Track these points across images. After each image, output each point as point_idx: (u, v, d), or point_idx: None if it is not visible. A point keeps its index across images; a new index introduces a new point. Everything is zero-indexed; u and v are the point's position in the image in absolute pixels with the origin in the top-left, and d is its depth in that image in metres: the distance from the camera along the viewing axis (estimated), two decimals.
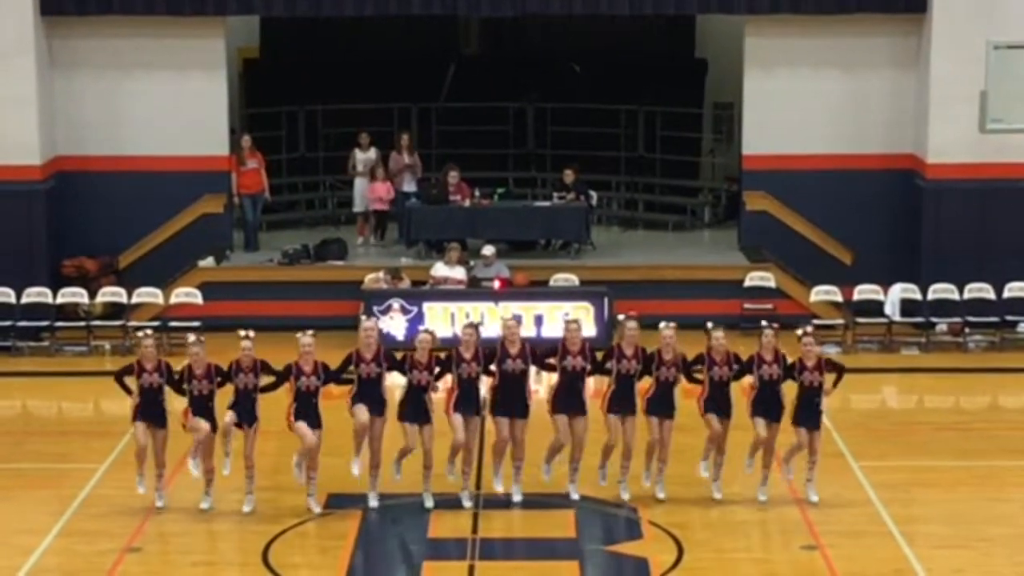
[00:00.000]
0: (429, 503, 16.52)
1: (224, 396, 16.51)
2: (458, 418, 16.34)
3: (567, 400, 16.51)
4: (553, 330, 22.10)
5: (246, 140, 25.78)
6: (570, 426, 16.53)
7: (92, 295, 24.05)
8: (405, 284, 23.65)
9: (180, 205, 24.98)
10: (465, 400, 16.41)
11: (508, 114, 29.87)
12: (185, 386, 16.36)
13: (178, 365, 16.62)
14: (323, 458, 16.64)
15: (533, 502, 16.63)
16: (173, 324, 23.15)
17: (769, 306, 23.59)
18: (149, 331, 16.85)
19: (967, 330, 23.76)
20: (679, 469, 16.94)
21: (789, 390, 16.55)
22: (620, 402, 16.51)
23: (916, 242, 24.46)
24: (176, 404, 16.60)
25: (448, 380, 16.49)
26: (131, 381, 16.47)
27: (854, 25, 24.57)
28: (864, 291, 23.94)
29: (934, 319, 23.89)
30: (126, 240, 24.89)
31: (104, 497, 16.97)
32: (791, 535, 15.90)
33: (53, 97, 24.73)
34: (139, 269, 24.76)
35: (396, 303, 23.13)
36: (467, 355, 16.39)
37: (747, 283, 24.26)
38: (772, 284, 24.25)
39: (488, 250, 24.17)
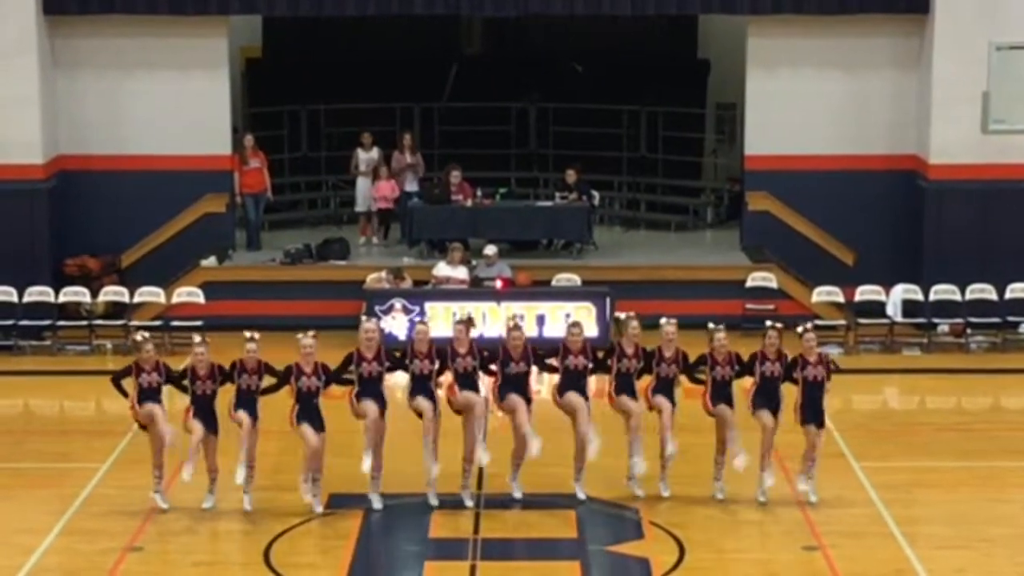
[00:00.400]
0: (434, 501, 16.53)
1: (224, 396, 16.51)
2: (466, 394, 16.36)
3: (568, 388, 16.54)
4: (555, 330, 22.12)
5: (248, 139, 25.79)
6: (574, 424, 16.54)
7: (94, 294, 24.06)
8: (407, 284, 23.66)
9: (182, 204, 25.00)
10: (465, 390, 16.43)
11: (510, 114, 29.87)
12: (186, 383, 16.36)
13: (180, 365, 16.62)
14: (325, 458, 16.64)
15: (534, 502, 16.63)
16: (175, 324, 23.15)
17: (771, 306, 23.60)
18: (147, 334, 16.83)
19: (969, 331, 23.75)
20: (681, 468, 16.92)
21: (788, 393, 16.54)
22: (623, 395, 16.55)
23: (918, 243, 24.45)
24: (176, 405, 16.61)
25: (448, 376, 16.53)
26: (129, 383, 16.46)
27: (856, 26, 24.58)
28: (866, 292, 23.94)
29: (936, 320, 23.89)
30: (128, 239, 24.91)
31: (105, 496, 16.97)
32: (792, 535, 15.89)
33: (55, 96, 24.75)
34: (141, 268, 24.78)
35: (398, 303, 23.12)
36: (461, 350, 16.43)
37: (749, 283, 24.26)
38: (774, 284, 24.26)
39: (490, 250, 24.18)
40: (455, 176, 25.66)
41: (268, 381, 16.46)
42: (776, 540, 16.02)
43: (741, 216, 26.02)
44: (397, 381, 16.89)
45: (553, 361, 16.64)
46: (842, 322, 23.80)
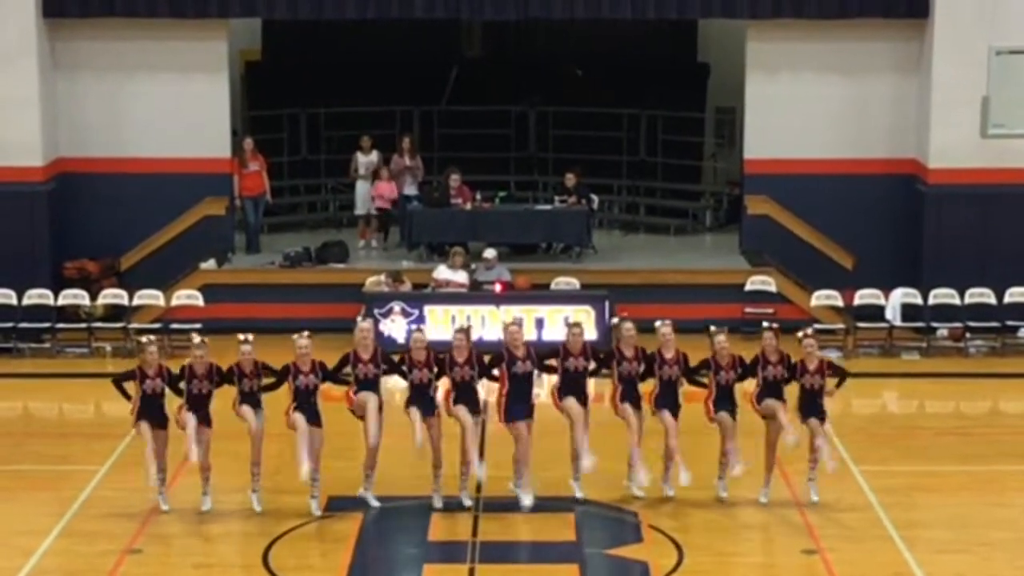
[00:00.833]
0: (438, 503, 16.54)
1: (220, 397, 16.51)
2: (461, 408, 16.37)
3: (568, 392, 16.55)
4: (554, 333, 22.12)
5: (248, 142, 25.80)
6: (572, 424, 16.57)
7: (93, 297, 24.06)
8: (406, 287, 23.66)
9: (182, 207, 25.00)
10: (462, 403, 16.42)
11: (510, 117, 29.87)
12: (183, 384, 16.38)
13: (179, 366, 16.64)
14: (324, 460, 16.66)
15: (534, 505, 16.61)
16: (174, 326, 23.14)
17: (770, 310, 23.59)
18: (152, 337, 16.86)
19: (968, 335, 23.76)
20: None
21: (792, 394, 16.57)
22: (627, 402, 16.54)
23: (917, 247, 24.46)
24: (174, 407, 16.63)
25: (445, 383, 16.54)
26: (131, 387, 16.48)
27: (856, 30, 24.59)
28: (865, 296, 23.94)
29: (935, 324, 23.90)
30: (128, 242, 24.91)
31: (105, 499, 16.98)
32: (792, 539, 15.90)
33: (55, 99, 24.75)
34: (140, 271, 24.77)
35: (397, 306, 23.14)
36: (460, 359, 16.43)
37: (748, 287, 24.26)
38: (773, 288, 24.26)
39: (489, 253, 24.19)
40: (454, 179, 25.67)
41: (267, 380, 16.49)
42: (775, 544, 16.03)
43: (740, 220, 26.03)
44: (396, 384, 16.86)
45: (553, 362, 16.64)
46: (841, 326, 23.79)
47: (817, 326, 21.90)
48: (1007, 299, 23.84)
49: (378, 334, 17.35)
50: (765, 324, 16.75)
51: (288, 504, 16.60)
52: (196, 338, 16.71)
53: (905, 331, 23.93)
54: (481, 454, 17.13)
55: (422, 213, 25.58)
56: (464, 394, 16.46)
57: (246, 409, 16.38)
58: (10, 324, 23.62)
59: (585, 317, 22.54)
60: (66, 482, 17.54)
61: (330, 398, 16.77)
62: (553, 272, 24.53)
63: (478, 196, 25.88)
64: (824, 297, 24.02)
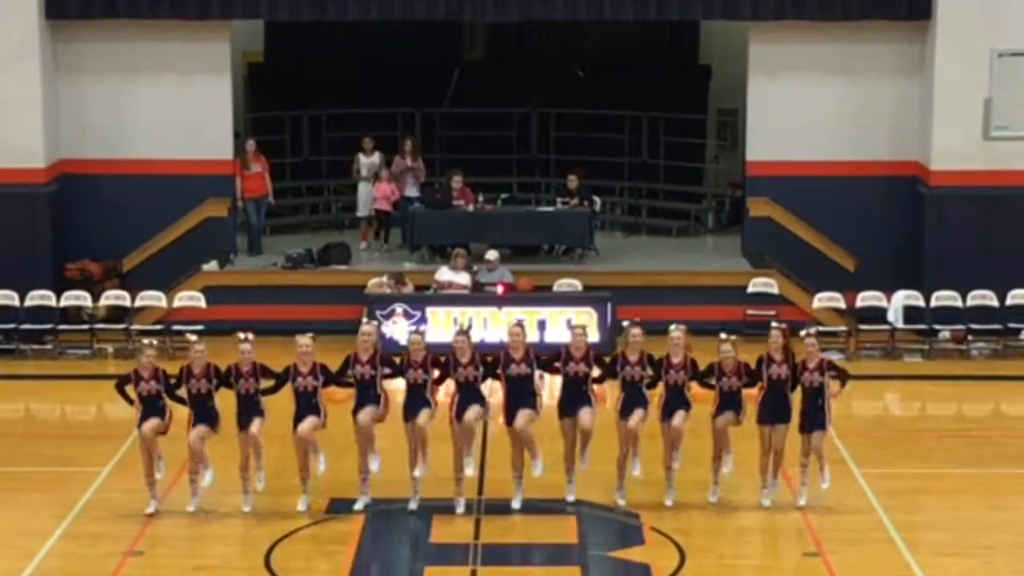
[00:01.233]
0: (414, 505, 16.59)
1: (221, 399, 16.53)
2: (468, 413, 16.39)
3: (571, 405, 16.53)
4: (556, 335, 22.14)
5: (250, 144, 25.80)
6: (575, 427, 16.55)
7: (95, 298, 24.07)
8: (408, 289, 23.67)
9: (184, 209, 25.01)
10: (464, 405, 16.43)
11: (512, 119, 29.86)
12: (183, 387, 16.39)
13: (179, 368, 16.66)
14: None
15: (535, 507, 16.63)
16: (176, 328, 23.13)
17: (772, 312, 23.57)
18: (152, 341, 16.87)
19: (970, 337, 23.75)
20: (682, 474, 16.88)
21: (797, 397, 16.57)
22: (629, 409, 16.52)
23: (919, 249, 24.45)
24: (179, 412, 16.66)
25: (449, 386, 16.55)
26: (132, 390, 16.50)
27: (858, 32, 24.59)
28: (867, 298, 23.93)
29: (937, 326, 23.88)
30: (130, 243, 24.92)
31: (107, 500, 16.98)
32: (793, 542, 15.91)
33: (57, 100, 24.77)
34: (142, 272, 24.79)
35: (399, 308, 23.15)
36: (463, 360, 16.44)
37: (750, 289, 24.26)
38: (775, 290, 24.26)
39: (492, 255, 24.18)
40: (457, 181, 25.67)
41: (267, 383, 16.49)
42: (777, 546, 16.04)
43: (742, 222, 26.02)
44: (398, 386, 16.88)
45: (556, 364, 16.63)
46: (843, 328, 23.79)
47: (819, 328, 22.01)
48: (1009, 301, 23.83)
49: (379, 336, 17.30)
50: (774, 324, 16.70)
51: (290, 506, 16.60)
52: (193, 337, 16.73)
53: (907, 333, 23.92)
54: (483, 456, 17.19)
55: (424, 215, 25.58)
56: (468, 394, 16.46)
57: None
58: (12, 325, 23.63)
59: (587, 319, 22.54)
60: (68, 484, 17.55)
61: (333, 400, 16.77)
62: (555, 274, 24.53)
63: (480, 198, 25.89)
64: (826, 299, 24.01)
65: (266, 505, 16.64)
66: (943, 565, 15.23)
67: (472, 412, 16.37)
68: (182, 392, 16.44)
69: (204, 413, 16.39)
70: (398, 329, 22.85)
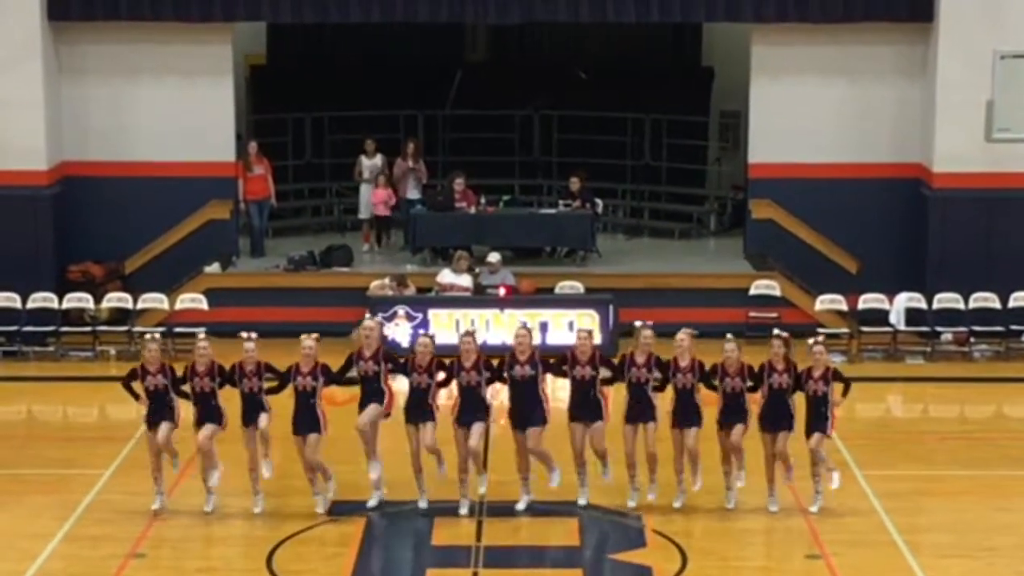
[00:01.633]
0: (423, 504, 16.59)
1: (225, 398, 16.54)
2: (462, 432, 16.41)
3: (580, 409, 16.54)
4: (558, 337, 22.17)
5: (252, 146, 25.81)
6: (586, 433, 16.54)
7: (98, 300, 24.07)
8: (410, 291, 23.67)
9: (186, 211, 25.01)
10: (467, 409, 16.43)
11: (514, 121, 29.87)
12: (187, 385, 16.41)
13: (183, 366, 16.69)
14: (327, 465, 16.69)
15: (537, 510, 16.63)
16: (178, 330, 23.15)
17: (774, 315, 23.59)
18: (156, 335, 16.90)
19: (972, 339, 23.74)
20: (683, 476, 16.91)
21: (800, 401, 16.55)
22: (633, 410, 16.54)
23: (922, 251, 24.44)
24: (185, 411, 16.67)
25: (452, 390, 16.57)
26: (138, 386, 16.53)
27: (860, 34, 24.58)
28: (869, 300, 23.92)
29: (939, 328, 23.86)
30: (132, 246, 24.92)
31: (109, 502, 16.99)
32: (795, 544, 15.90)
33: (60, 102, 24.78)
34: (145, 275, 24.78)
35: (401, 310, 23.16)
36: (467, 364, 16.43)
37: (752, 291, 24.25)
38: (777, 293, 24.25)
39: (493, 257, 24.18)
40: (459, 183, 25.68)
41: (270, 383, 16.50)
42: (779, 549, 16.02)
43: (745, 224, 26.01)
44: (400, 387, 16.87)
45: (564, 367, 16.64)
46: (845, 330, 23.78)
47: (821, 330, 22.03)
48: (1012, 303, 23.82)
49: (382, 337, 17.32)
50: (776, 331, 16.67)
51: (292, 508, 16.61)
52: (200, 334, 16.75)
53: (909, 335, 23.91)
54: (484, 458, 17.17)
55: (426, 217, 25.59)
56: (471, 399, 16.45)
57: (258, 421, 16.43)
58: (15, 327, 23.63)
59: (589, 321, 22.54)
60: (70, 486, 17.56)
61: (333, 402, 16.77)
62: (557, 276, 24.53)
63: (482, 200, 25.89)
64: (828, 301, 24.01)
65: (268, 507, 16.63)
66: (945, 567, 15.22)
67: (474, 434, 16.34)
68: (187, 388, 16.45)
69: (209, 411, 16.42)
70: (400, 331, 22.86)
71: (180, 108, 24.90)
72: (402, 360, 16.68)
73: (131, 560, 15.41)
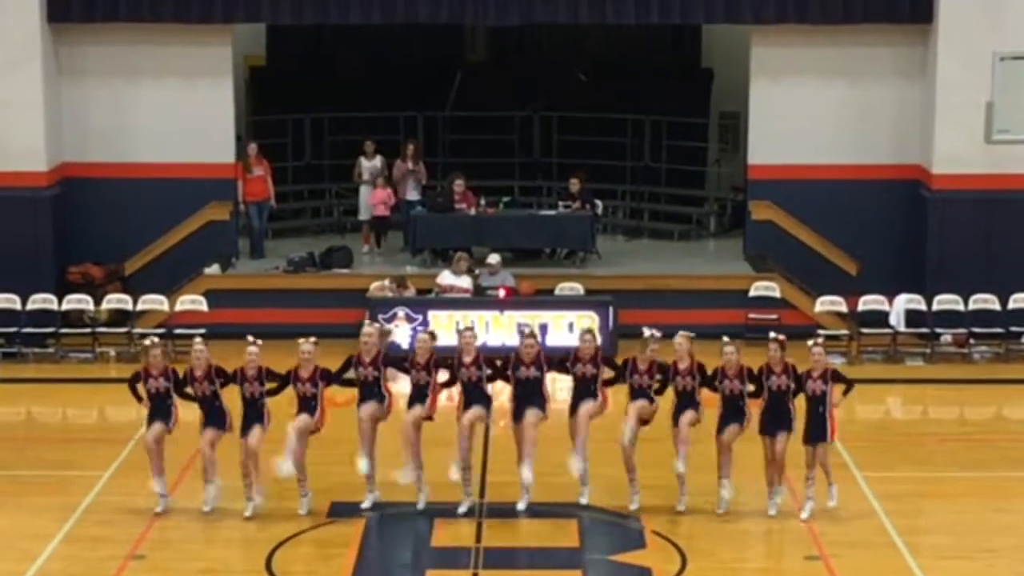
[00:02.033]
0: (421, 505, 16.58)
1: (227, 398, 16.55)
2: (467, 413, 16.40)
3: (580, 403, 16.56)
4: (558, 339, 22.18)
5: (252, 147, 25.82)
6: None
7: (97, 302, 24.07)
8: (410, 292, 23.67)
9: (186, 212, 25.01)
10: (470, 404, 16.46)
11: (514, 123, 29.88)
12: (189, 388, 16.44)
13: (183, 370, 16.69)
14: (326, 466, 16.76)
15: (537, 511, 16.62)
16: (178, 331, 23.15)
17: (774, 316, 23.59)
18: (156, 339, 16.89)
19: (972, 341, 23.74)
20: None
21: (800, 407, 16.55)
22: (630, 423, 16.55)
23: (921, 252, 24.44)
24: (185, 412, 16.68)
25: (455, 390, 16.57)
26: (140, 388, 16.54)
27: (860, 35, 24.59)
28: (869, 301, 23.91)
29: (939, 330, 23.85)
30: (132, 247, 24.92)
31: (108, 504, 16.99)
32: (795, 545, 15.89)
33: (60, 104, 24.78)
34: (145, 276, 24.78)
35: (401, 311, 23.17)
36: (467, 360, 16.45)
37: (752, 293, 24.25)
38: (777, 294, 24.24)
39: (493, 258, 24.18)
40: (459, 185, 25.68)
41: (271, 385, 16.51)
42: (778, 550, 16.03)
43: (744, 225, 26.01)
44: (400, 389, 16.87)
45: (566, 364, 16.67)
46: (845, 332, 23.78)
47: (821, 332, 22.07)
48: (1011, 305, 23.82)
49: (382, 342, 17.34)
50: (772, 335, 16.67)
51: (291, 509, 16.60)
52: (197, 338, 16.75)
53: (909, 337, 23.91)
54: (484, 459, 17.19)
55: (426, 218, 25.59)
56: (473, 395, 16.47)
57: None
58: (14, 329, 23.63)
59: (589, 322, 22.52)
60: (69, 487, 17.55)
61: (333, 403, 16.77)
62: (557, 277, 24.53)
63: (482, 201, 25.89)
64: (828, 303, 24.01)
65: (268, 508, 16.62)
66: (945, 568, 15.23)
67: (471, 413, 16.36)
68: (189, 391, 16.48)
69: (212, 414, 16.43)
70: (400, 333, 22.86)
71: (180, 109, 24.91)
72: (402, 358, 16.68)
73: (131, 561, 15.40)
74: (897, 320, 23.87)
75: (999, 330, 23.75)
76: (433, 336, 16.74)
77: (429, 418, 16.55)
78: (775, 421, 16.39)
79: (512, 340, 17.06)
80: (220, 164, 25.20)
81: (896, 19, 24.37)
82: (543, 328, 22.85)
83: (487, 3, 24.50)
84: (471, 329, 16.81)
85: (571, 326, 22.58)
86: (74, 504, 16.91)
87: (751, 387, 16.46)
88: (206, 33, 24.69)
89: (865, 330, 23.73)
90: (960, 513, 16.80)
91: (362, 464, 16.49)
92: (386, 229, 26.55)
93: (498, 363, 16.64)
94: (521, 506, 16.64)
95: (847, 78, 24.90)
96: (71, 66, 24.84)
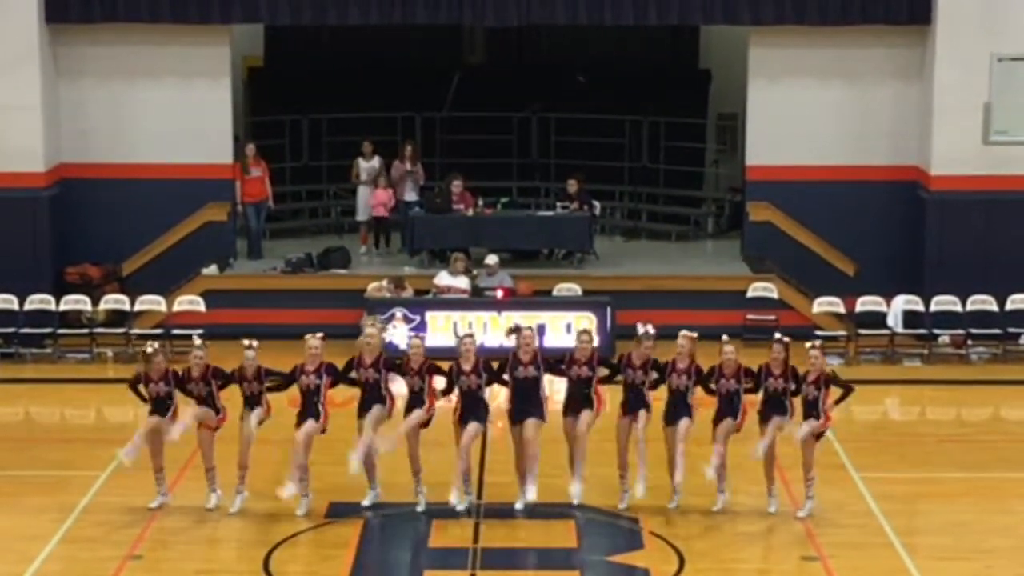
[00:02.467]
0: (421, 507, 16.57)
1: (226, 399, 16.55)
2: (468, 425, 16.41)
3: (575, 404, 16.56)
4: (556, 340, 22.17)
5: (250, 148, 25.81)
6: (575, 429, 16.57)
7: (95, 302, 24.06)
8: (408, 293, 23.67)
9: (184, 213, 25.01)
10: (468, 412, 16.43)
11: (512, 124, 29.87)
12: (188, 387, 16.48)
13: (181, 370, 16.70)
14: (324, 466, 16.74)
15: (534, 512, 16.62)
16: (176, 332, 23.14)
17: (771, 317, 23.60)
18: (156, 345, 16.88)
19: (969, 342, 23.75)
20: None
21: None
22: (628, 405, 16.56)
23: (919, 253, 24.45)
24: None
25: (453, 397, 16.57)
26: (142, 389, 16.55)
27: (858, 36, 24.60)
28: (867, 302, 23.93)
29: (936, 331, 23.86)
30: (130, 247, 24.93)
31: (106, 504, 16.98)
32: (792, 546, 15.89)
33: (58, 104, 24.78)
34: (142, 277, 24.78)
35: (399, 312, 23.16)
36: (467, 367, 16.44)
37: (750, 294, 24.26)
38: (775, 295, 24.25)
39: (491, 259, 24.18)
40: (456, 185, 25.68)
41: (272, 381, 16.51)
42: (776, 550, 16.03)
43: (742, 226, 26.03)
44: (399, 391, 16.86)
45: (562, 366, 16.67)
46: (843, 333, 23.78)
47: (819, 333, 22.09)
48: (1009, 306, 23.83)
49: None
50: (776, 336, 16.65)
51: (289, 509, 16.59)
52: (196, 340, 16.76)
53: (907, 338, 23.92)
54: (482, 460, 17.19)
55: (424, 219, 25.59)
56: (471, 403, 16.45)
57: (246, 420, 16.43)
58: (12, 329, 23.63)
59: (587, 323, 22.52)
60: (67, 487, 17.54)
61: (334, 404, 16.77)
62: (555, 278, 24.54)
63: (480, 202, 25.90)
64: (826, 304, 24.02)
65: (266, 508, 16.63)
66: (942, 569, 15.23)
67: (469, 431, 16.34)
68: (190, 387, 16.50)
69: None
70: (397, 333, 22.84)
71: (178, 110, 24.91)
72: (397, 362, 16.70)
73: (128, 562, 15.39)
74: (895, 321, 23.88)
75: (997, 331, 23.76)
76: (422, 340, 16.74)
77: (426, 424, 16.55)
78: (774, 413, 16.38)
79: (509, 343, 16.92)
80: (218, 165, 25.20)
81: (894, 20, 24.38)
82: (541, 329, 22.83)
83: (485, 4, 24.52)
84: (471, 336, 16.75)
85: (569, 327, 22.59)
86: (72, 504, 16.90)
87: (748, 384, 16.47)
88: (204, 34, 24.69)
89: (863, 331, 23.73)
90: (958, 514, 16.80)
91: (353, 460, 16.47)
92: (388, 230, 26.54)
93: (494, 365, 16.62)
94: (519, 506, 16.64)
95: (845, 79, 24.92)
96: (69, 67, 24.83)
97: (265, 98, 29.73)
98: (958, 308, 23.84)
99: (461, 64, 30.72)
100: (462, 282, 23.81)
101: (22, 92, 23.98)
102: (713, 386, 16.60)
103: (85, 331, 23.78)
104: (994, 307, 23.84)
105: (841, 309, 24.00)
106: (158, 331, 23.19)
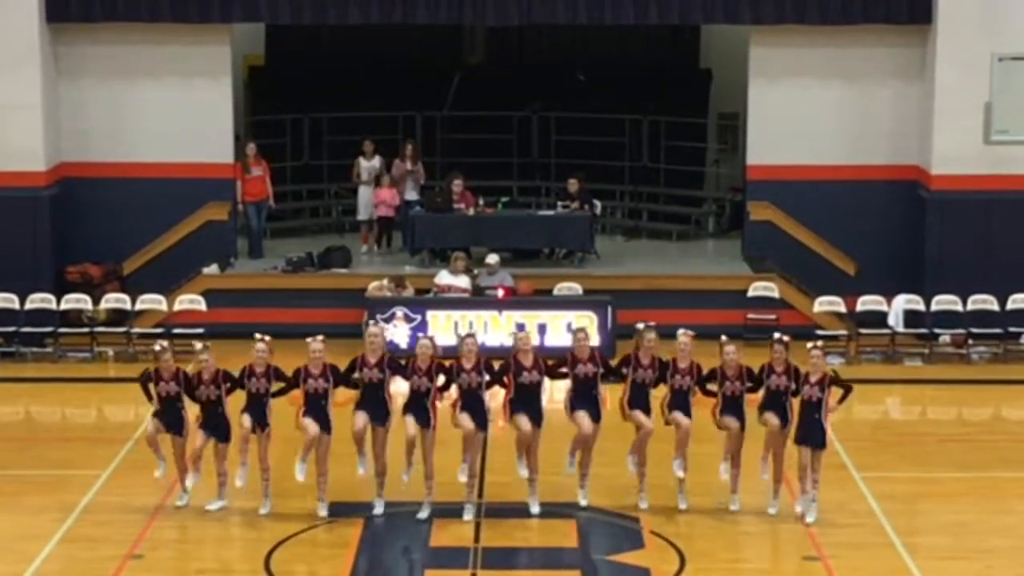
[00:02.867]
0: (424, 513, 16.51)
1: (235, 402, 16.54)
2: (465, 417, 16.34)
3: (582, 402, 16.53)
4: (556, 339, 22.17)
5: (251, 147, 25.81)
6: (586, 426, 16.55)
7: (96, 301, 24.06)
8: (408, 292, 23.67)
9: (184, 212, 25.02)
10: (468, 411, 16.41)
11: (513, 123, 29.87)
12: (196, 392, 16.46)
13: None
14: (329, 462, 16.69)
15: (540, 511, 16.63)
16: (177, 331, 23.14)
17: (772, 316, 23.61)
18: (165, 344, 16.87)
19: (970, 341, 23.75)
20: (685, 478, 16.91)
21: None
22: (636, 405, 16.53)
23: (920, 253, 24.45)
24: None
25: (452, 393, 16.54)
26: (152, 388, 16.55)
27: (859, 36, 24.60)
28: (867, 302, 23.93)
29: (937, 330, 23.86)
30: (130, 247, 24.94)
31: (106, 503, 16.98)
32: (793, 546, 15.89)
33: (58, 104, 24.78)
34: (143, 276, 24.79)
35: (400, 311, 23.16)
36: (468, 365, 16.42)
37: (750, 293, 24.26)
38: (775, 294, 24.25)
39: (492, 259, 24.18)
40: (457, 185, 25.69)
41: (277, 385, 16.50)
42: (777, 550, 16.03)
43: (743, 226, 26.03)
44: (399, 389, 16.86)
45: (563, 370, 16.63)
46: (844, 332, 23.78)
47: (820, 332, 22.09)
48: (1010, 305, 23.83)
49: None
50: (776, 335, 16.65)
51: (291, 509, 16.60)
52: (199, 344, 16.75)
53: (907, 337, 23.92)
54: (483, 460, 17.18)
55: (424, 218, 25.59)
56: (471, 401, 16.44)
57: (245, 417, 16.40)
58: (12, 328, 23.63)
59: (588, 322, 22.53)
60: (68, 487, 17.54)
61: (334, 404, 16.76)
62: (556, 277, 24.53)
63: (480, 201, 25.90)
64: (827, 303, 24.02)
65: (266, 508, 16.62)
66: (943, 569, 15.23)
67: (468, 422, 16.35)
68: (198, 393, 16.50)
69: (215, 420, 16.41)
70: (398, 333, 22.86)
71: (178, 109, 24.91)
72: (403, 362, 16.67)
73: (129, 561, 15.39)
74: (896, 320, 23.88)
75: (997, 331, 23.76)
76: (434, 342, 16.68)
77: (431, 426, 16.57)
78: (774, 412, 16.38)
79: (510, 342, 16.91)
80: (219, 164, 25.20)
81: (895, 20, 24.38)
82: (541, 328, 22.88)
83: (486, 4, 24.52)
84: (472, 335, 16.74)
85: (569, 326, 22.56)
86: (72, 504, 16.91)
87: (750, 384, 16.47)
88: (205, 33, 24.69)
89: (863, 330, 23.73)
90: (958, 514, 16.80)
91: (360, 468, 16.51)
92: (390, 229, 26.54)
93: (495, 366, 16.61)
94: (535, 509, 16.61)
95: (846, 79, 24.92)
96: (69, 66, 24.83)
97: (266, 97, 29.73)
98: (959, 308, 23.84)
99: (462, 63, 30.72)
100: (463, 281, 23.81)
101: (22, 92, 23.98)
102: (714, 388, 16.58)
103: (86, 330, 23.78)
104: (995, 307, 23.84)
105: (842, 309, 24.00)
106: (159, 330, 23.19)
